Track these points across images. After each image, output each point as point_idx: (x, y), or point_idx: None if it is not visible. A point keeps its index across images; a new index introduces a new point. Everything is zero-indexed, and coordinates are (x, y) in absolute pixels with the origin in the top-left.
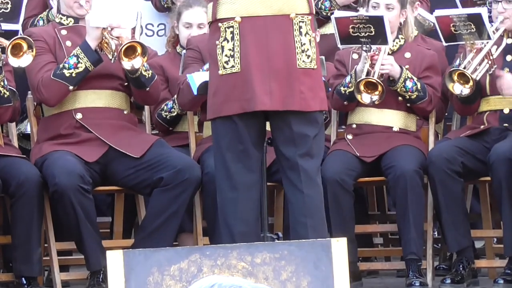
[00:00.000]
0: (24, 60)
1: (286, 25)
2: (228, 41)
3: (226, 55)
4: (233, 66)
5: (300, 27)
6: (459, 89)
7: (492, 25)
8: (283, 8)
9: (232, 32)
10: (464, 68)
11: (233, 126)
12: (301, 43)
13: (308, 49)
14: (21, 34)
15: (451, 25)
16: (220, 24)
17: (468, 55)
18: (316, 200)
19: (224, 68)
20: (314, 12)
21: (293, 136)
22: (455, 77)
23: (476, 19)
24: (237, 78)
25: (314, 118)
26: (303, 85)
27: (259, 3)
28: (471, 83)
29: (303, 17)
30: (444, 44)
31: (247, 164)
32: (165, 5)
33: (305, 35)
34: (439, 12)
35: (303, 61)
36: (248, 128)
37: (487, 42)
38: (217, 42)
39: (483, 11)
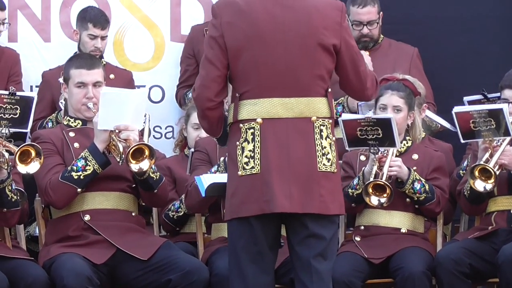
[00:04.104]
0: (32, 167)
1: (307, 128)
2: (248, 142)
3: (246, 156)
4: (253, 167)
5: (321, 131)
6: (481, 185)
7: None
8: (304, 111)
9: (253, 133)
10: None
11: (250, 228)
12: (322, 146)
13: (328, 153)
14: (29, 137)
15: (471, 121)
16: (241, 125)
17: (486, 153)
18: None
19: (244, 169)
20: (334, 116)
21: (309, 236)
22: (477, 173)
23: (496, 115)
24: (257, 180)
25: (332, 220)
26: (323, 188)
27: (281, 105)
28: (493, 178)
29: (324, 120)
30: (462, 141)
31: (262, 266)
32: (189, 103)
33: (325, 138)
34: (458, 109)
35: (324, 165)
36: (264, 231)
37: (504, 139)
38: (237, 143)
39: (504, 106)
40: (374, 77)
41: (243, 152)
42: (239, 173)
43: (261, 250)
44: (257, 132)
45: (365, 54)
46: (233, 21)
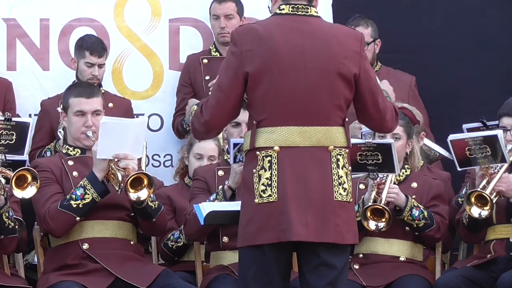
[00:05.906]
0: (28, 192)
1: (324, 157)
2: (265, 170)
3: (263, 184)
4: (270, 195)
5: (338, 160)
6: (477, 212)
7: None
8: (321, 140)
9: (270, 161)
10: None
11: (263, 256)
12: (338, 175)
13: (344, 182)
14: (28, 165)
15: (466, 148)
16: (258, 153)
17: (483, 180)
18: None
19: (261, 197)
20: (350, 146)
21: (320, 265)
22: (473, 200)
23: (492, 142)
24: (273, 208)
25: (344, 250)
26: (339, 218)
27: (298, 134)
28: (489, 204)
29: (340, 150)
30: (459, 169)
31: None
32: (187, 128)
33: (342, 168)
34: (454, 136)
35: (340, 194)
36: (276, 260)
37: (501, 166)
38: (254, 170)
39: (499, 132)
40: (393, 109)
41: (260, 179)
42: (256, 200)
43: (272, 280)
44: (274, 160)
45: (386, 83)
46: (252, 49)
